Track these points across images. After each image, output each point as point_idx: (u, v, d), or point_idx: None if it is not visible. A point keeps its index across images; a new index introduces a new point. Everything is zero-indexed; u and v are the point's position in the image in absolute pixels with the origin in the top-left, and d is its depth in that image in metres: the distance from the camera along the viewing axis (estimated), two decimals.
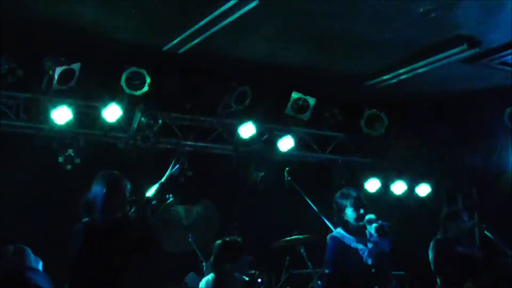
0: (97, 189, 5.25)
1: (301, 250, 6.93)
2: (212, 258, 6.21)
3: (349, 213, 5.81)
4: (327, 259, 5.81)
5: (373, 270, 5.65)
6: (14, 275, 4.35)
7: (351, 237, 5.75)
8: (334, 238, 5.80)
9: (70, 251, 5.05)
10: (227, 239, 6.22)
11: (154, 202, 5.26)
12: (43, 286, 4.53)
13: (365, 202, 5.92)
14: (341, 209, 5.86)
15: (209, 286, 6.19)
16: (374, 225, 5.63)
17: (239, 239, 6.28)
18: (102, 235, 5.02)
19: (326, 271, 5.82)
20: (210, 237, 7.35)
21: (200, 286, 6.35)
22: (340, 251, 5.73)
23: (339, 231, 5.84)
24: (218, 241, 6.21)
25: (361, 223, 5.74)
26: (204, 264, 7.00)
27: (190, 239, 7.16)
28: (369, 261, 5.66)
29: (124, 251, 5.07)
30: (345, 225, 5.83)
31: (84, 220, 5.16)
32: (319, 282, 6.69)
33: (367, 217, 5.72)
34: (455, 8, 6.59)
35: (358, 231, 5.78)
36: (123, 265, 5.09)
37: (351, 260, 5.69)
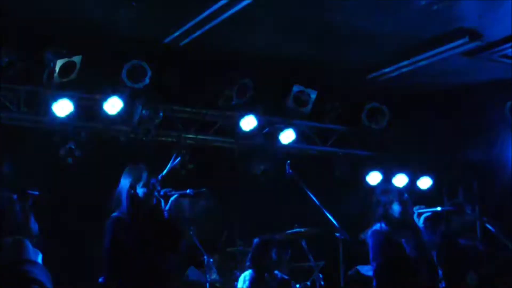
0: (123, 183, 5.28)
1: (302, 243, 6.93)
2: (250, 254, 6.29)
3: (396, 208, 5.94)
4: (373, 252, 5.91)
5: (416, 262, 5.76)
6: (11, 267, 4.33)
7: (395, 231, 5.82)
8: (377, 232, 5.87)
9: (103, 245, 5.21)
10: (265, 236, 6.34)
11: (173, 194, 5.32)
12: (41, 279, 4.50)
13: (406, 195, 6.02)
14: (385, 204, 5.96)
15: (247, 282, 6.26)
16: (424, 216, 5.76)
17: (277, 236, 6.39)
18: (129, 229, 5.07)
19: (375, 262, 5.89)
20: (211, 230, 7.37)
21: (239, 281, 6.43)
22: (385, 244, 5.82)
23: (382, 226, 5.94)
24: (257, 238, 6.33)
25: (407, 217, 5.83)
26: (205, 257, 7.00)
27: (191, 232, 7.15)
28: (413, 253, 5.75)
29: (152, 242, 5.13)
30: (387, 219, 5.92)
31: (113, 214, 5.26)
32: (320, 275, 6.69)
33: (416, 209, 5.87)
34: (456, 1, 6.58)
35: (401, 224, 5.89)
36: (153, 256, 5.16)
37: (395, 253, 5.80)
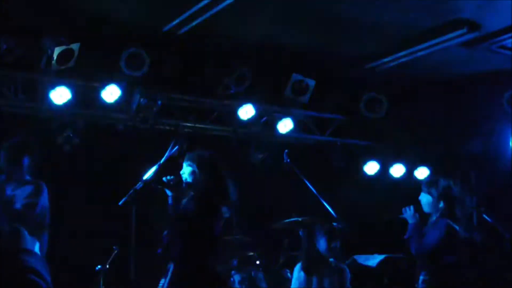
0: None
1: (300, 232, 6.94)
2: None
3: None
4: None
5: None
6: (8, 256, 4.31)
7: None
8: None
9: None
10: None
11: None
12: (37, 269, 4.48)
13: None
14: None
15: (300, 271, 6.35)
16: None
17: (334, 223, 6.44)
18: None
19: None
20: None
21: (295, 269, 6.48)
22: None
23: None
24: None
25: None
26: None
27: None
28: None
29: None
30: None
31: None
32: None
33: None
34: None
35: None
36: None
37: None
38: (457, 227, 5.79)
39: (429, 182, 6.06)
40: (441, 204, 5.89)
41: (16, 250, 4.52)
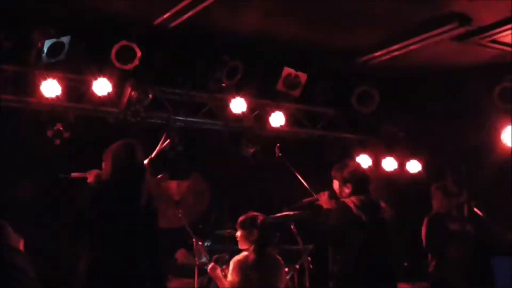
0: None
1: (291, 226, 6.93)
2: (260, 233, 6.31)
3: None
4: None
5: None
6: None
7: None
8: None
9: None
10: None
11: None
12: (22, 266, 4.43)
13: None
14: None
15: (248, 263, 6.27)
16: None
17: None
18: None
19: None
20: (200, 212, 7.35)
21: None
22: None
23: None
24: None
25: None
26: (195, 240, 6.99)
27: (180, 215, 7.14)
28: None
29: None
30: None
31: None
32: (308, 258, 6.71)
33: None
34: None
35: None
36: None
37: None
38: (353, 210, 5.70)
39: (337, 167, 6.02)
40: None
41: (1, 247, 4.45)
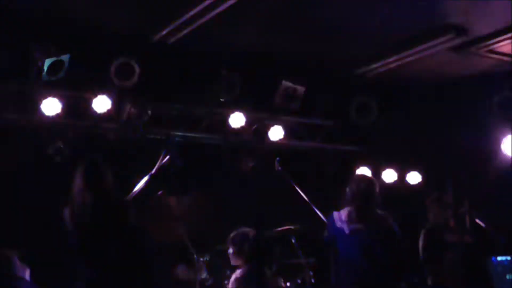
0: None
1: (293, 240, 6.94)
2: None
3: None
4: None
5: None
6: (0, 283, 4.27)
7: None
8: None
9: None
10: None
11: None
12: None
13: None
14: None
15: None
16: None
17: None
18: None
19: None
20: (201, 228, 7.36)
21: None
22: None
23: None
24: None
25: None
26: (195, 256, 6.99)
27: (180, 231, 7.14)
28: None
29: None
30: None
31: None
32: (310, 272, 6.71)
33: None
34: None
35: None
36: None
37: None
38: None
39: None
40: None
41: (8, 277, 4.48)
